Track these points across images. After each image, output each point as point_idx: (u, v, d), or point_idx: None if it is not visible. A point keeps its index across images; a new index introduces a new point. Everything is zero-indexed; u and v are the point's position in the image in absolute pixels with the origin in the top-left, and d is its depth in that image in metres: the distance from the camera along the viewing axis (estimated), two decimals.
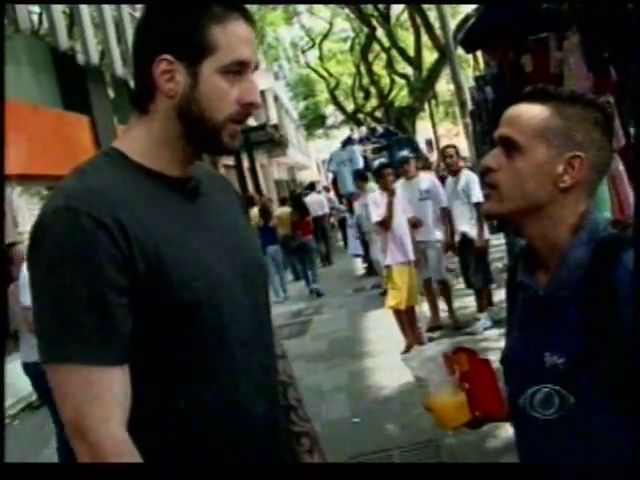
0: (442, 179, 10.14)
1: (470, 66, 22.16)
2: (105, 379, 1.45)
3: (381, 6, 27.96)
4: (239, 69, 1.59)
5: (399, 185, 8.82)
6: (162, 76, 1.58)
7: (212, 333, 1.59)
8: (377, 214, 8.41)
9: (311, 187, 12.23)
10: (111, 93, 13.98)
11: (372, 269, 13.71)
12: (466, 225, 8.67)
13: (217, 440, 1.60)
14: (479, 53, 7.85)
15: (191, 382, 1.57)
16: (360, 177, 11.77)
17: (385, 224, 8.32)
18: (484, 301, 8.92)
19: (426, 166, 15.42)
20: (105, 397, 1.44)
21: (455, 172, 8.86)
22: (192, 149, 1.67)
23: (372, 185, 9.91)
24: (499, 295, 10.04)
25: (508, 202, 1.65)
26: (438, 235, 9.15)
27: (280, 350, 1.96)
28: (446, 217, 9.04)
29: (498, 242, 11.52)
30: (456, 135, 29.36)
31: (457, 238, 8.84)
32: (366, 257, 14.61)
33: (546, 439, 1.61)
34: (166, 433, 1.57)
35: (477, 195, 8.47)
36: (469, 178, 8.74)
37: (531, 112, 1.64)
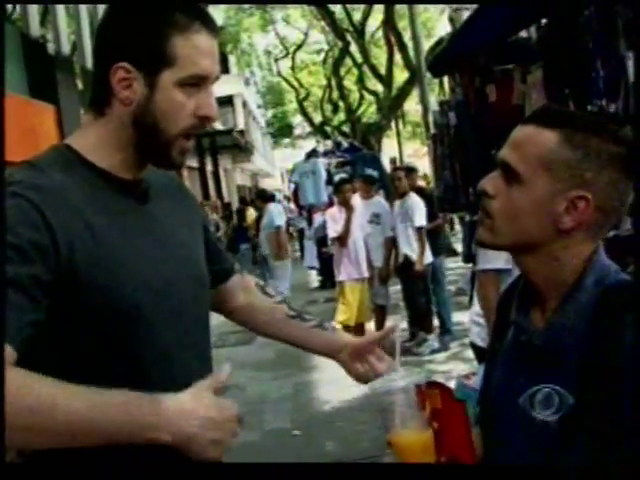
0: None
1: (437, 90, 22.36)
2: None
3: (356, 21, 28.12)
4: (198, 82, 1.58)
5: (357, 202, 8.85)
6: (119, 83, 1.56)
7: (149, 340, 1.58)
8: (334, 230, 8.46)
9: (271, 198, 12.22)
10: (80, 84, 13.82)
11: (327, 282, 13.73)
12: (408, 248, 8.72)
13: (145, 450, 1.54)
14: (445, 78, 7.95)
15: (125, 383, 1.50)
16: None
17: (341, 240, 8.37)
18: (429, 323, 8.99)
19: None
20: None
21: (402, 195, 8.90)
22: (142, 157, 1.66)
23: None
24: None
25: (500, 235, 1.48)
26: (379, 262, 9.04)
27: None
28: (389, 246, 8.97)
29: (455, 265, 11.62)
30: (424, 155, 29.51)
31: (400, 260, 8.88)
32: (322, 270, 14.64)
33: (546, 439, 1.44)
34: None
35: (419, 220, 8.58)
36: (414, 202, 8.77)
37: (538, 138, 1.43)
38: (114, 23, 1.61)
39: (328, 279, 13.62)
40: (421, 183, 9.37)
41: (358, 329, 8.51)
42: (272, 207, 11.52)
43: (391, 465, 1.62)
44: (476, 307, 4.43)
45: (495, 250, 1.58)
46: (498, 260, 4.05)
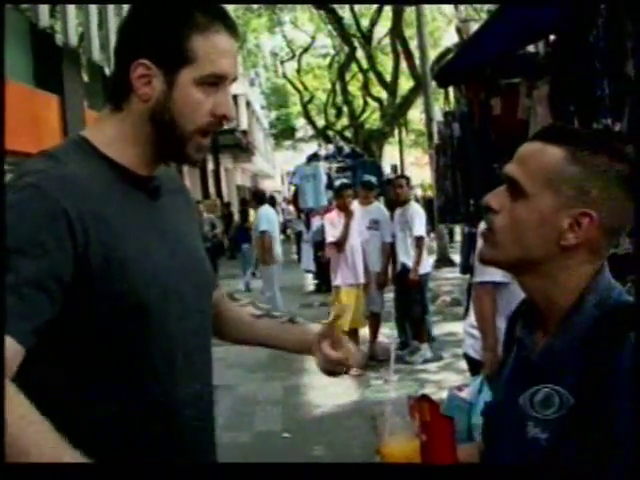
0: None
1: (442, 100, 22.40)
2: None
3: (364, 28, 28.17)
4: (216, 81, 1.60)
5: (356, 208, 8.87)
6: (139, 80, 1.58)
7: (157, 336, 1.60)
8: (332, 234, 8.47)
9: (264, 200, 12.26)
10: (85, 77, 13.84)
11: (322, 286, 13.73)
12: (407, 257, 8.74)
13: (150, 439, 1.60)
14: (451, 89, 7.97)
15: (131, 383, 1.57)
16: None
17: (339, 245, 8.38)
18: (422, 332, 9.00)
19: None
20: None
21: (403, 203, 8.92)
22: (158, 153, 1.68)
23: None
24: (443, 328, 10.19)
25: (502, 250, 1.47)
26: (377, 268, 9.06)
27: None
28: (386, 252, 9.02)
29: (451, 275, 11.64)
30: (425, 164, 29.57)
31: (398, 268, 8.90)
32: (318, 274, 14.65)
33: (535, 455, 1.42)
34: (104, 430, 1.56)
35: (418, 228, 8.63)
36: (414, 211, 8.84)
37: (544, 154, 1.43)
38: (136, 20, 1.63)
39: (324, 283, 13.63)
40: (418, 191, 9.39)
41: (352, 334, 8.52)
42: (263, 210, 11.51)
43: (385, 466, 1.63)
44: (471, 318, 4.45)
45: (496, 267, 1.57)
46: (496, 273, 4.07)
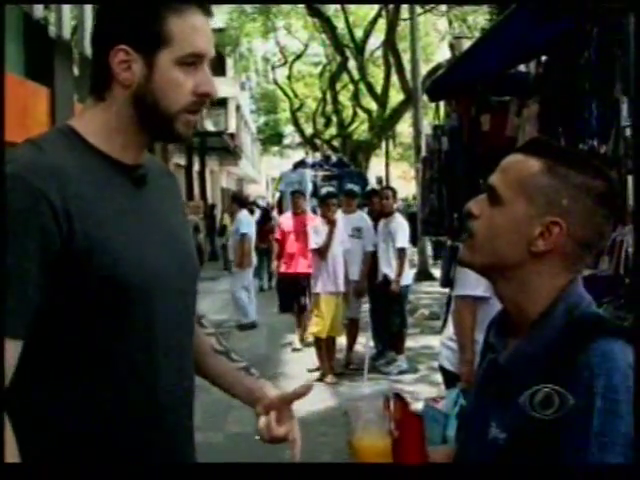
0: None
1: (431, 114, 22.52)
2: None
3: (357, 38, 28.27)
4: (195, 60, 1.62)
5: (339, 216, 8.89)
6: (119, 66, 1.60)
7: (141, 322, 1.61)
8: (315, 242, 8.50)
9: (245, 204, 12.40)
10: (76, 70, 13.80)
11: None
12: (389, 268, 8.78)
13: (127, 426, 1.61)
14: (442, 103, 8.02)
15: (111, 369, 1.58)
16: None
17: (321, 253, 8.40)
18: (400, 344, 9.04)
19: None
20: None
21: (388, 214, 8.96)
22: (145, 137, 1.69)
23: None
24: (420, 341, 10.23)
25: (479, 254, 1.53)
26: (356, 276, 9.03)
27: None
28: (367, 261, 9.01)
29: (431, 289, 11.67)
30: (412, 178, 29.69)
31: (380, 278, 8.93)
32: None
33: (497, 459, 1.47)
34: (84, 419, 1.56)
35: (401, 240, 8.70)
36: (398, 223, 8.90)
37: (522, 165, 1.50)
38: (111, 8, 1.64)
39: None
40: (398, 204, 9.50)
41: (329, 342, 8.55)
42: (242, 214, 11.63)
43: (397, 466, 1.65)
44: (449, 331, 4.47)
45: (472, 270, 1.61)
46: (477, 287, 4.10)
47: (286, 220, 10.64)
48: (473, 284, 4.10)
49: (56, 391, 1.55)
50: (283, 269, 10.41)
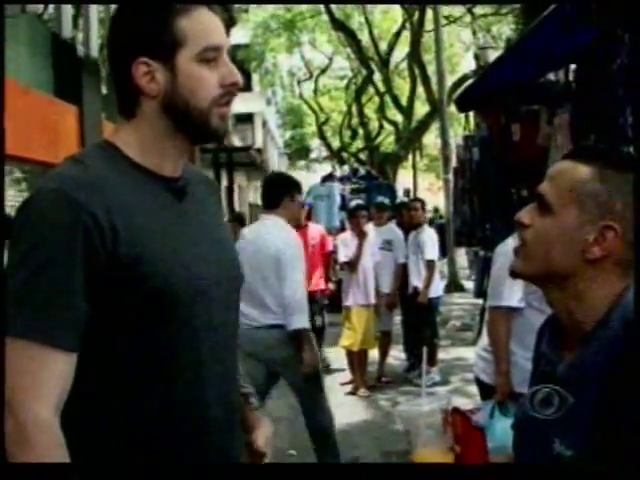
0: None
1: (460, 124, 22.48)
2: (49, 360, 1.46)
3: (382, 51, 28.29)
4: (214, 55, 1.64)
5: (370, 229, 8.87)
6: (143, 78, 1.62)
7: (187, 333, 1.62)
8: (345, 254, 8.48)
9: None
10: (104, 89, 13.93)
11: (332, 306, 13.73)
12: (418, 279, 8.75)
13: (177, 439, 1.61)
14: (471, 113, 8.00)
15: (158, 380, 1.59)
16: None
17: (352, 265, 8.39)
18: (433, 356, 8.99)
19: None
20: (43, 377, 1.45)
21: (417, 226, 8.94)
22: (183, 144, 1.71)
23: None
24: (452, 352, 10.16)
25: (532, 263, 1.52)
26: (387, 288, 9.00)
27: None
28: (399, 273, 8.99)
29: (462, 300, 11.60)
30: (439, 190, 29.60)
31: (410, 290, 8.89)
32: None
33: (546, 439, 1.48)
34: (130, 429, 1.58)
35: (430, 252, 8.66)
36: (427, 234, 8.89)
37: (571, 171, 1.50)
38: (121, 25, 1.68)
39: (334, 303, 13.61)
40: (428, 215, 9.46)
41: (361, 355, 8.52)
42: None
43: (400, 465, 1.65)
44: (484, 342, 4.43)
45: (524, 280, 1.62)
46: (511, 298, 4.06)
47: None
48: (507, 295, 4.07)
49: (102, 403, 1.56)
50: None
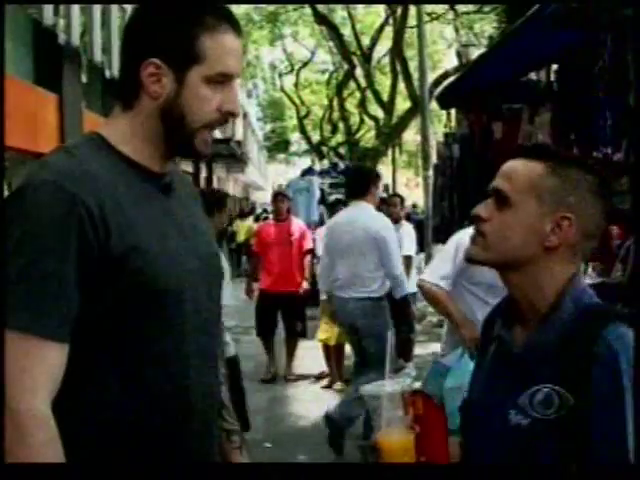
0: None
1: (440, 121, 22.54)
2: (43, 352, 1.47)
3: (364, 46, 28.30)
4: (223, 79, 1.66)
5: None
6: (149, 78, 1.63)
7: (174, 323, 1.64)
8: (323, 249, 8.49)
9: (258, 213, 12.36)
10: (84, 77, 13.84)
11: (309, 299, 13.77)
12: None
13: (159, 427, 1.62)
14: (453, 111, 8.03)
15: (146, 368, 1.60)
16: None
17: None
18: (409, 351, 9.01)
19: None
20: (37, 370, 1.46)
21: (396, 221, 8.97)
22: (168, 149, 1.72)
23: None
24: (428, 348, 10.20)
25: (492, 252, 1.65)
26: None
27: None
28: None
29: None
30: (416, 186, 29.63)
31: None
32: None
33: (519, 442, 1.59)
34: (119, 418, 1.59)
35: (408, 248, 8.70)
36: (405, 230, 8.92)
37: (527, 168, 1.64)
38: (145, 20, 1.68)
39: (311, 297, 13.63)
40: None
41: (338, 349, 8.53)
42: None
43: (380, 465, 1.73)
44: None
45: (485, 266, 1.75)
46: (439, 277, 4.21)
47: (266, 229, 9.37)
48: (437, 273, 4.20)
49: (89, 393, 1.57)
50: (264, 286, 9.07)
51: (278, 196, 9.37)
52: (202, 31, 1.62)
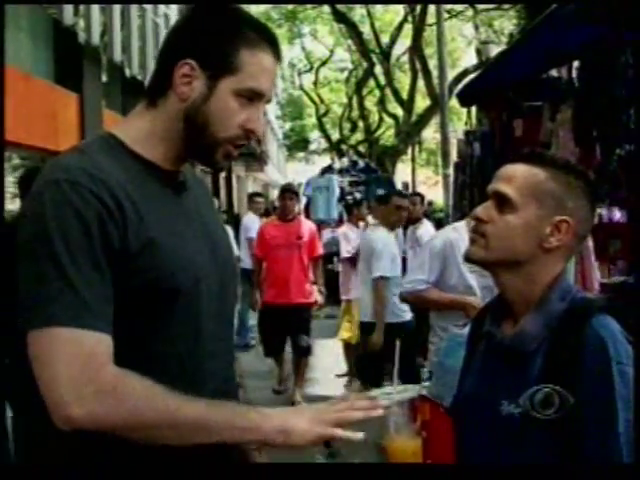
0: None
1: (460, 119, 22.44)
2: (95, 342, 1.47)
3: (383, 44, 28.24)
4: (253, 97, 1.66)
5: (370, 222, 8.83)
6: (181, 78, 1.64)
7: (188, 323, 1.64)
8: (346, 250, 8.45)
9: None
10: (104, 77, 13.90)
11: (330, 299, 13.76)
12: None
13: None
14: (474, 108, 7.98)
15: (160, 370, 1.58)
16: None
17: (353, 260, 8.36)
18: (426, 351, 8.98)
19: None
20: (97, 352, 1.47)
21: (415, 220, 8.94)
22: (186, 152, 1.72)
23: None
24: None
25: (492, 252, 1.74)
26: None
27: None
28: None
29: None
30: (435, 184, 29.54)
31: None
32: (326, 286, 14.65)
33: (509, 433, 1.66)
34: None
35: None
36: (425, 229, 8.93)
37: (528, 173, 1.73)
38: (190, 22, 1.71)
39: (331, 296, 13.61)
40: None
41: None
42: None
43: (384, 465, 1.77)
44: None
45: (480, 265, 1.85)
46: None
47: (270, 229, 8.03)
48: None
49: None
50: (268, 298, 7.85)
51: (286, 193, 7.94)
52: (243, 44, 1.64)
